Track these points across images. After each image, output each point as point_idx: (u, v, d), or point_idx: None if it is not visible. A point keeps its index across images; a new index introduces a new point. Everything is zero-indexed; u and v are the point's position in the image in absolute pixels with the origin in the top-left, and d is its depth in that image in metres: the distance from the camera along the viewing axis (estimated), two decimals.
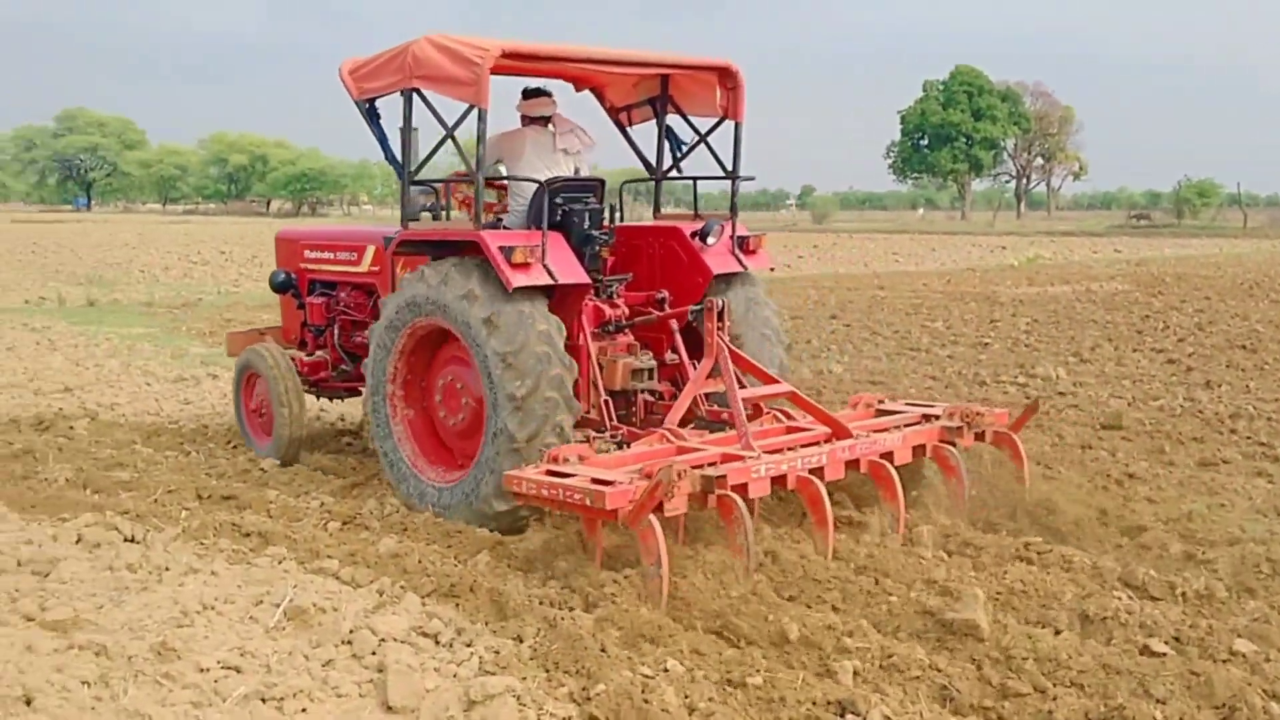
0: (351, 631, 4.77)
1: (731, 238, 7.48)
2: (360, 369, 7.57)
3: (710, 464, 5.60)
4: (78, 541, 5.95)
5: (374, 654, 4.62)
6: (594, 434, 6.73)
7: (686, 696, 4.25)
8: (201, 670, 4.37)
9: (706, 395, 6.95)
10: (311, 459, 8.05)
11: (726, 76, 7.41)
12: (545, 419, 6.24)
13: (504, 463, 6.12)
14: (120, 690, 4.17)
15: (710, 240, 7.37)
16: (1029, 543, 5.97)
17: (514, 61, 6.84)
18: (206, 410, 9.55)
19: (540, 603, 5.11)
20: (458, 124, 6.72)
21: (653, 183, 8.15)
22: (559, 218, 6.99)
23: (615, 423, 6.89)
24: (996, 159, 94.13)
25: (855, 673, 4.44)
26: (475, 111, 6.45)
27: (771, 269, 8.18)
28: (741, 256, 7.53)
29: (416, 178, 7.12)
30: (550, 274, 6.49)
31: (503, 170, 7.45)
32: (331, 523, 6.47)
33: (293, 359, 8.20)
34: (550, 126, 7.52)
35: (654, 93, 7.84)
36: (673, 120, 7.87)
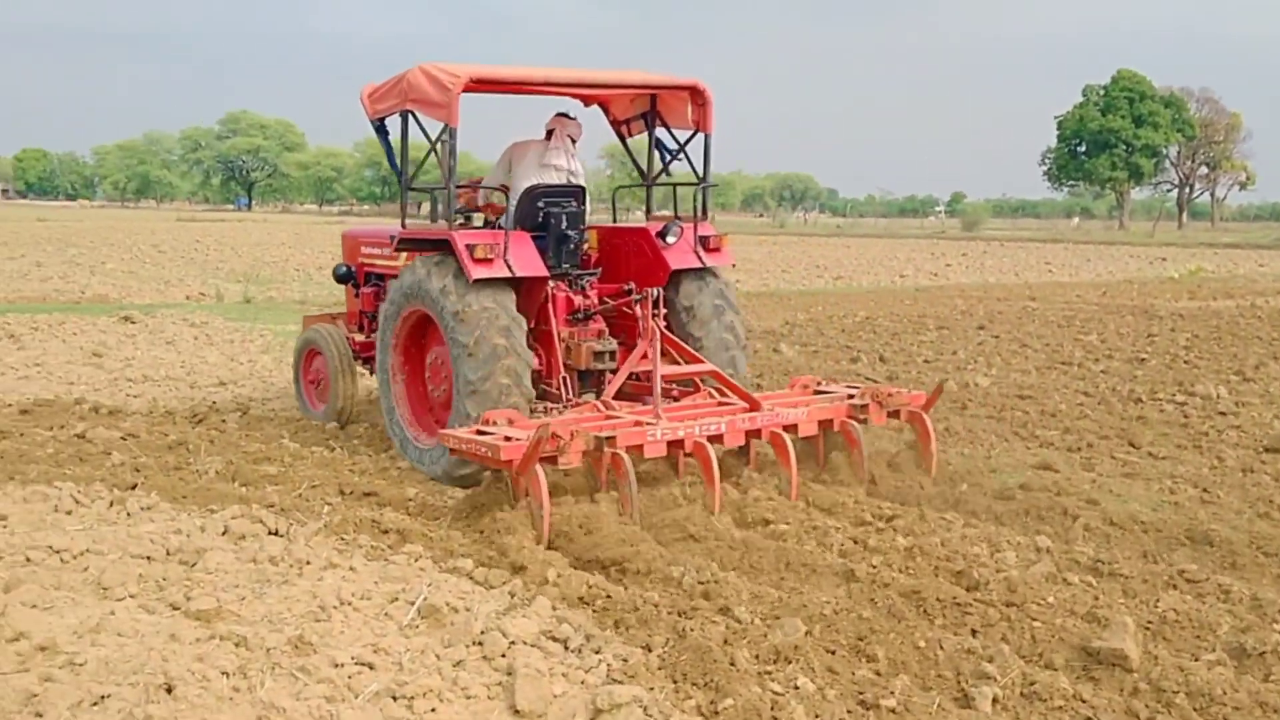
0: (483, 633, 4.78)
1: (695, 237, 8.30)
2: None
3: (611, 429, 6.55)
4: (224, 533, 6.11)
5: (504, 656, 4.62)
6: (549, 405, 7.68)
7: (817, 716, 4.14)
8: (336, 665, 4.43)
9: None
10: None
11: (696, 94, 8.33)
12: (498, 403, 7.16)
13: (466, 411, 7.23)
14: (258, 682, 4.25)
15: (670, 239, 8.27)
16: (1183, 570, 5.69)
17: (483, 85, 8.02)
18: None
19: (669, 611, 5.05)
20: (439, 138, 7.70)
21: (648, 186, 9.11)
22: (539, 220, 8.17)
23: (573, 396, 7.86)
24: (1158, 167, 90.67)
25: (994, 700, 4.27)
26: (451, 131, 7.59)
27: (733, 264, 8.93)
28: (703, 254, 8.34)
29: (414, 184, 8.34)
30: (510, 268, 7.48)
31: (511, 178, 8.52)
32: (467, 523, 6.50)
33: (348, 339, 9.32)
34: (551, 140, 8.54)
35: (646, 109, 8.75)
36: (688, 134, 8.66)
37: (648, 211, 9.14)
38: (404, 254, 8.50)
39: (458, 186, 8.00)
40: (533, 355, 7.67)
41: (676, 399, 7.80)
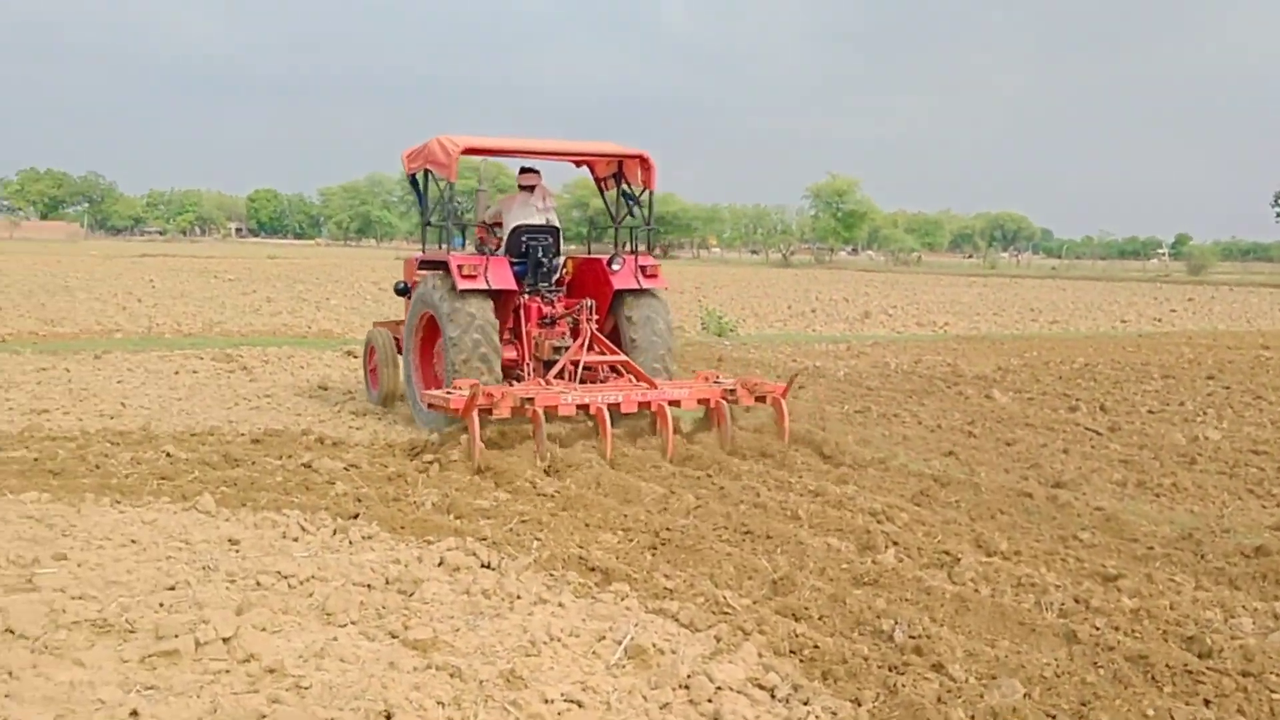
0: (689, 676, 4.77)
1: (636, 267, 10.96)
2: None
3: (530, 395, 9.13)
4: (440, 564, 6.29)
5: (710, 701, 4.59)
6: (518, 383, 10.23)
7: None
8: (546, 701, 4.49)
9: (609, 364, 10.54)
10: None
11: (644, 162, 11.17)
12: (472, 368, 9.92)
13: (423, 413, 10.42)
14: (471, 713, 4.35)
15: (615, 267, 10.97)
16: None
17: (478, 151, 11.29)
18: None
19: (880, 665, 4.93)
20: (449, 188, 10.77)
21: (615, 228, 11.84)
22: (523, 250, 11.02)
23: (536, 377, 10.36)
24: None
25: None
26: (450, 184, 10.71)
27: (665, 287, 11.46)
28: (641, 279, 10.97)
29: (431, 221, 11.30)
30: (488, 282, 10.24)
31: (503, 219, 11.35)
32: (674, 566, 6.51)
33: (395, 338, 11.90)
34: (533, 193, 11.44)
35: (616, 170, 11.56)
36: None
37: (615, 245, 11.67)
38: (423, 271, 11.03)
39: (474, 226, 11.43)
40: (501, 347, 10.42)
41: (604, 381, 10.36)
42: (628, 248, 11.43)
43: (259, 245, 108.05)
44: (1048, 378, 15.62)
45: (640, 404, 9.71)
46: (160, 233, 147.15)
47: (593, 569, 6.30)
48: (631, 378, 10.26)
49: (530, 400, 9.04)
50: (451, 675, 4.69)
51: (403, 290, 12.21)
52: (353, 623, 5.40)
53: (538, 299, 10.96)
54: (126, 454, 8.88)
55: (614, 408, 9.47)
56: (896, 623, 5.38)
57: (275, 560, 6.22)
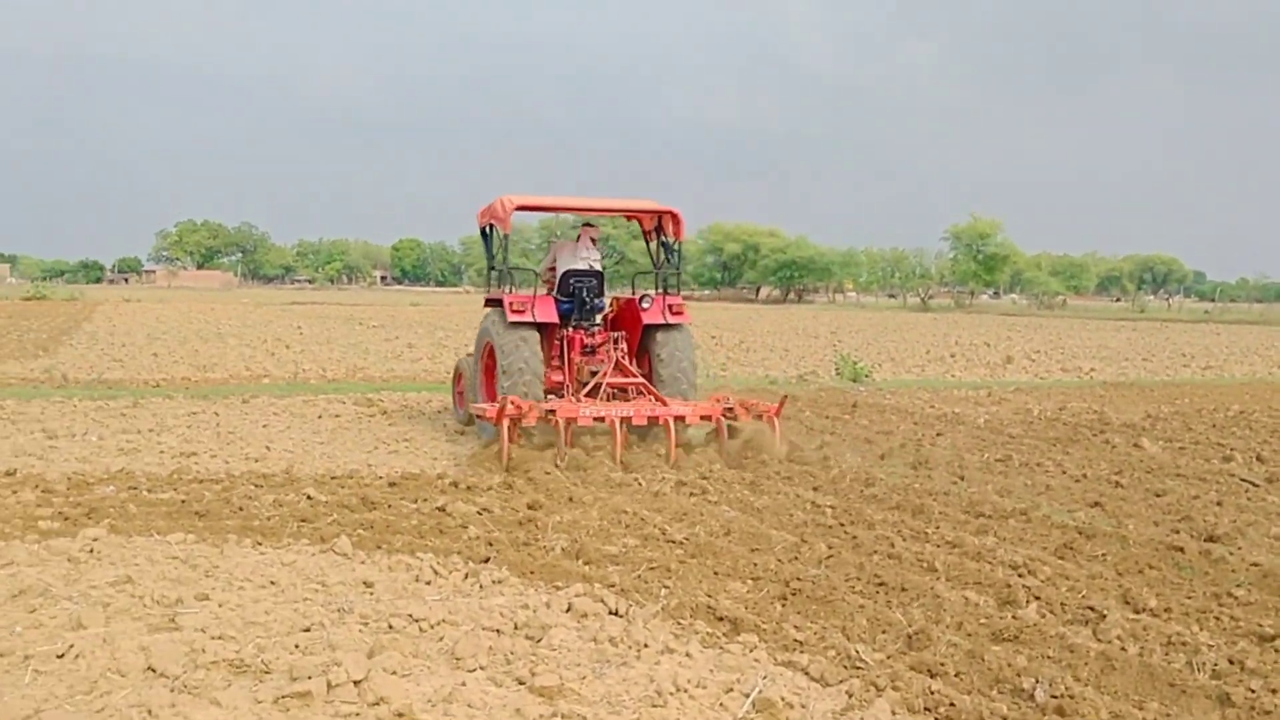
0: None
1: (665, 305, 12.79)
2: None
3: (553, 408, 11.00)
4: (568, 610, 6.28)
5: None
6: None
7: None
8: None
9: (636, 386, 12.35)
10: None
11: (674, 217, 13.21)
12: (518, 390, 11.72)
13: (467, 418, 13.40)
14: None
15: (645, 305, 12.82)
16: None
17: (530, 208, 13.22)
18: (667, 490, 9.85)
19: None
20: (505, 239, 13.12)
21: (655, 272, 13.51)
22: (570, 291, 13.00)
23: (575, 395, 12.24)
24: None
25: None
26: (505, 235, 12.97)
27: (690, 321, 13.13)
28: (669, 315, 12.80)
29: (494, 266, 13.71)
30: (534, 316, 12.30)
31: (555, 265, 13.36)
32: (804, 618, 6.37)
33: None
34: (580, 241, 13.51)
35: (655, 224, 13.47)
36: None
37: (657, 287, 13.31)
38: (486, 309, 13.36)
39: (535, 271, 13.47)
40: (548, 371, 12.58)
41: (632, 400, 12.00)
42: (660, 289, 13.29)
43: (402, 293, 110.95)
44: (1200, 426, 14.98)
45: (650, 418, 11.41)
46: (309, 281, 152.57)
47: (721, 618, 6.21)
48: (651, 398, 11.99)
49: (552, 412, 10.89)
50: None
51: None
52: (481, 668, 5.40)
53: (580, 331, 12.98)
54: (269, 496, 9.12)
55: (626, 420, 11.21)
56: (1038, 681, 5.16)
57: (408, 603, 6.29)
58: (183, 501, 8.86)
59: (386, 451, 11.92)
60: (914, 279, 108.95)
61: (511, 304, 12.22)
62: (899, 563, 7.36)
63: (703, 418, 11.65)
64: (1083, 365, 26.98)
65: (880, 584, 6.86)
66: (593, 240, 13.56)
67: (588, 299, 13.07)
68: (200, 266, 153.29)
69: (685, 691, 5.09)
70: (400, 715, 4.70)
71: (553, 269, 13.38)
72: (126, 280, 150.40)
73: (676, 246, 13.30)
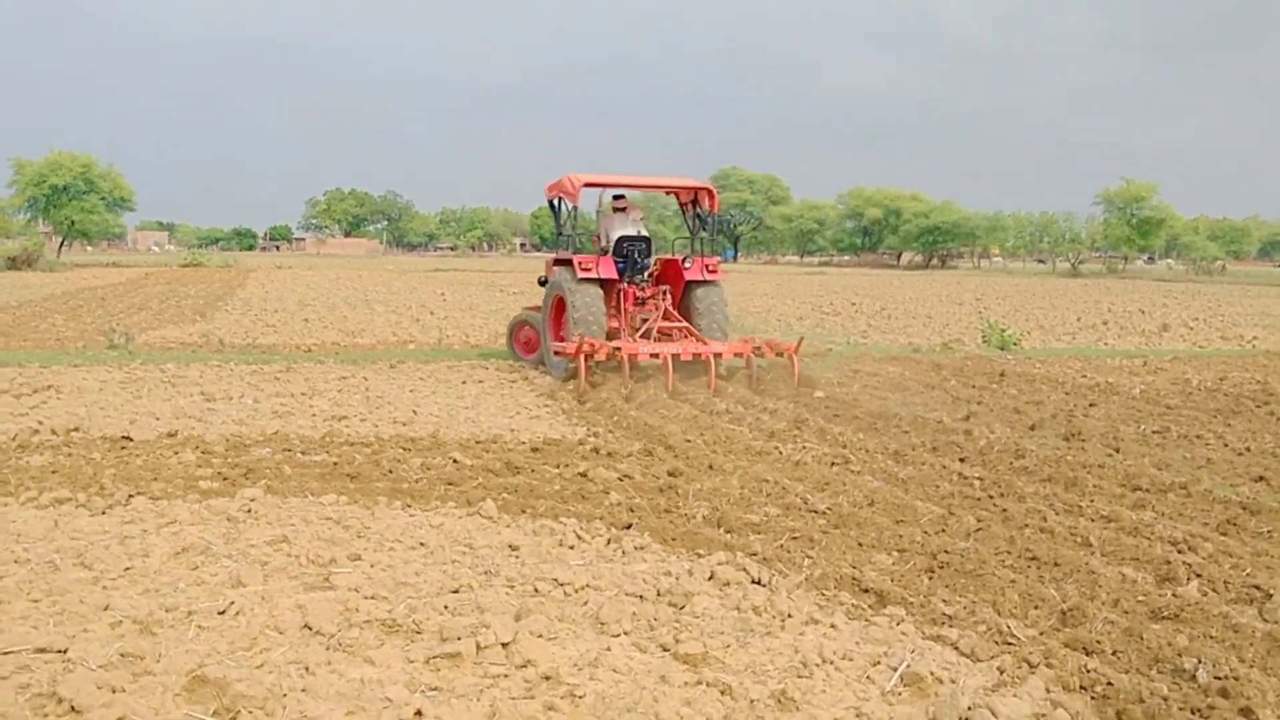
0: (970, 709, 4.52)
1: (703, 265, 15.38)
2: None
3: (618, 346, 13.59)
4: (710, 578, 6.26)
5: None
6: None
7: None
8: None
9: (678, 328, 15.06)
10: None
11: (709, 192, 15.77)
12: (589, 333, 14.07)
13: (551, 357, 15.14)
14: None
15: (687, 265, 15.46)
16: None
17: (596, 184, 15.60)
18: (808, 459, 9.73)
19: (1180, 707, 4.55)
20: (573, 210, 15.81)
21: (691, 238, 16.19)
22: (624, 253, 15.47)
23: (631, 338, 14.72)
24: None
25: None
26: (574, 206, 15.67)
27: (724, 278, 15.72)
28: (706, 274, 15.38)
29: (563, 232, 16.09)
30: (598, 273, 14.85)
31: (609, 232, 15.86)
32: (953, 592, 6.23)
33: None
34: (626, 212, 16.16)
35: (692, 197, 16.01)
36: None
37: (693, 250, 15.86)
38: (556, 267, 15.89)
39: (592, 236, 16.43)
40: (607, 318, 14.94)
41: (671, 339, 14.72)
42: (699, 251, 15.80)
43: (541, 259, 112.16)
44: None
45: (694, 354, 13.98)
46: (451, 248, 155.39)
47: (866, 590, 6.11)
48: (693, 339, 14.64)
49: (618, 349, 13.53)
50: (722, 693, 4.64)
51: (543, 282, 16.91)
52: (625, 633, 5.43)
53: (633, 287, 15.53)
54: (417, 460, 9.31)
55: (675, 356, 13.79)
56: (1200, 661, 4.95)
57: (552, 568, 6.35)
58: (334, 464, 9.11)
59: (528, 417, 12.05)
60: (1063, 244, 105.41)
61: (580, 263, 14.77)
62: (1051, 537, 7.14)
63: (736, 354, 14.20)
64: (1244, 333, 25.79)
65: (1032, 558, 6.67)
66: (635, 211, 16.37)
67: (638, 259, 15.62)
68: (347, 234, 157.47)
69: (831, 663, 5.03)
70: (548, 678, 4.75)
71: (605, 235, 15.99)
72: (278, 247, 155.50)
73: (710, 218, 15.84)
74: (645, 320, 15.07)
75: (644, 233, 15.97)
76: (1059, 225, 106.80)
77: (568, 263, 15.21)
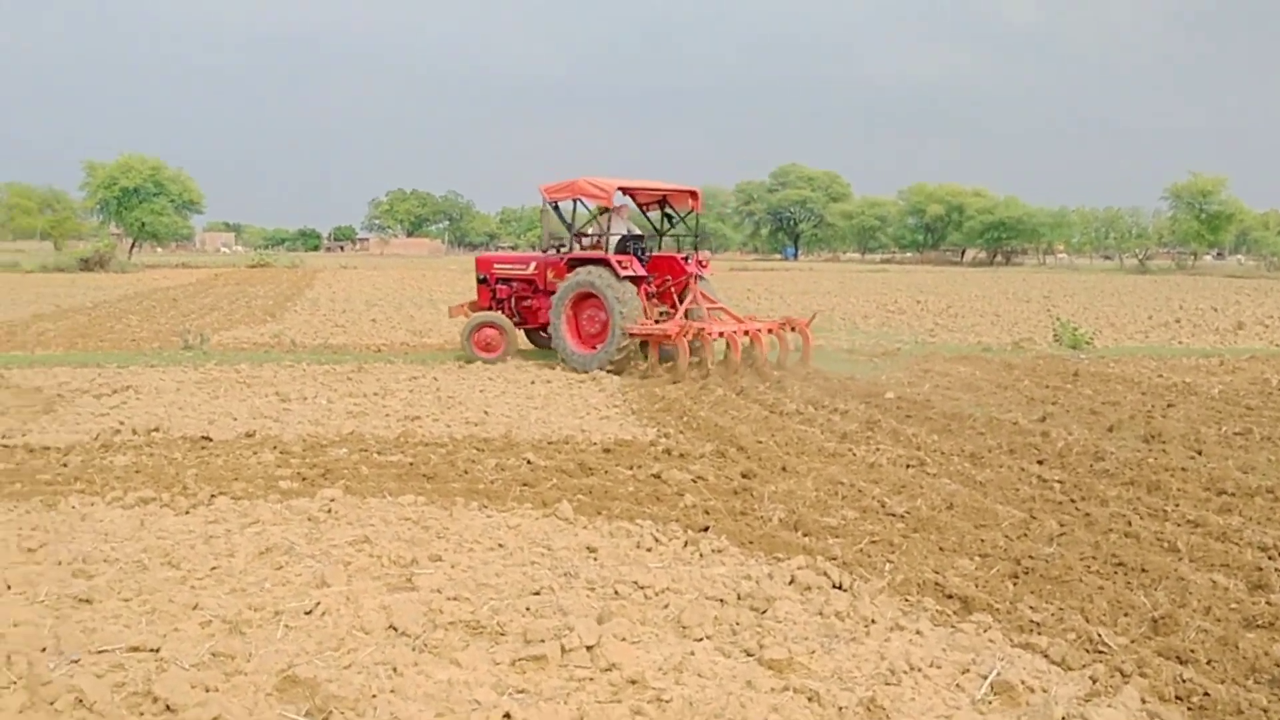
0: (1063, 719, 4.46)
1: (698, 261, 16.99)
2: (525, 317, 18.19)
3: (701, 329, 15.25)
4: (790, 582, 6.21)
5: None
6: None
7: None
8: None
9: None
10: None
11: (695, 194, 17.46)
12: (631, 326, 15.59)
13: (617, 345, 15.64)
14: None
15: (687, 261, 16.92)
16: None
17: (624, 190, 16.69)
18: (883, 461, 9.63)
19: None
20: (604, 209, 17.06)
21: (695, 237, 18.45)
22: (627, 251, 16.89)
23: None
24: None
25: None
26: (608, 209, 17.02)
27: (713, 273, 17.66)
28: (699, 269, 16.94)
29: (576, 233, 17.41)
30: (634, 271, 16.06)
31: (606, 232, 17.09)
32: (1039, 598, 6.14)
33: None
34: (619, 212, 17.11)
35: (687, 200, 17.63)
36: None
37: (694, 248, 17.96)
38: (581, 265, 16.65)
39: (580, 234, 17.53)
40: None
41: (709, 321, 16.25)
42: (695, 249, 17.88)
43: None
44: None
45: (745, 333, 15.85)
46: (512, 248, 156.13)
47: (950, 596, 6.04)
48: (724, 316, 16.68)
49: (703, 330, 15.13)
50: (809, 699, 4.60)
51: (482, 280, 18.45)
52: (708, 637, 5.41)
53: (644, 283, 16.66)
54: (491, 460, 9.36)
55: (756, 334, 15.88)
56: None
57: (631, 570, 6.34)
58: (410, 464, 9.18)
59: (598, 417, 12.07)
60: (1130, 239, 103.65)
61: (620, 262, 16.04)
62: (1137, 542, 7.01)
63: (769, 330, 16.27)
64: None
65: (1118, 564, 6.56)
66: (620, 211, 17.42)
67: (641, 258, 17.00)
68: (410, 234, 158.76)
69: (919, 670, 4.97)
70: (633, 682, 4.74)
71: (600, 235, 17.33)
72: (342, 248, 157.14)
73: (697, 218, 17.90)
74: (663, 312, 16.70)
75: (636, 231, 17.65)
76: (1125, 221, 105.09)
77: (600, 262, 16.23)
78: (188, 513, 7.59)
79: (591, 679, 4.81)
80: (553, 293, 17.31)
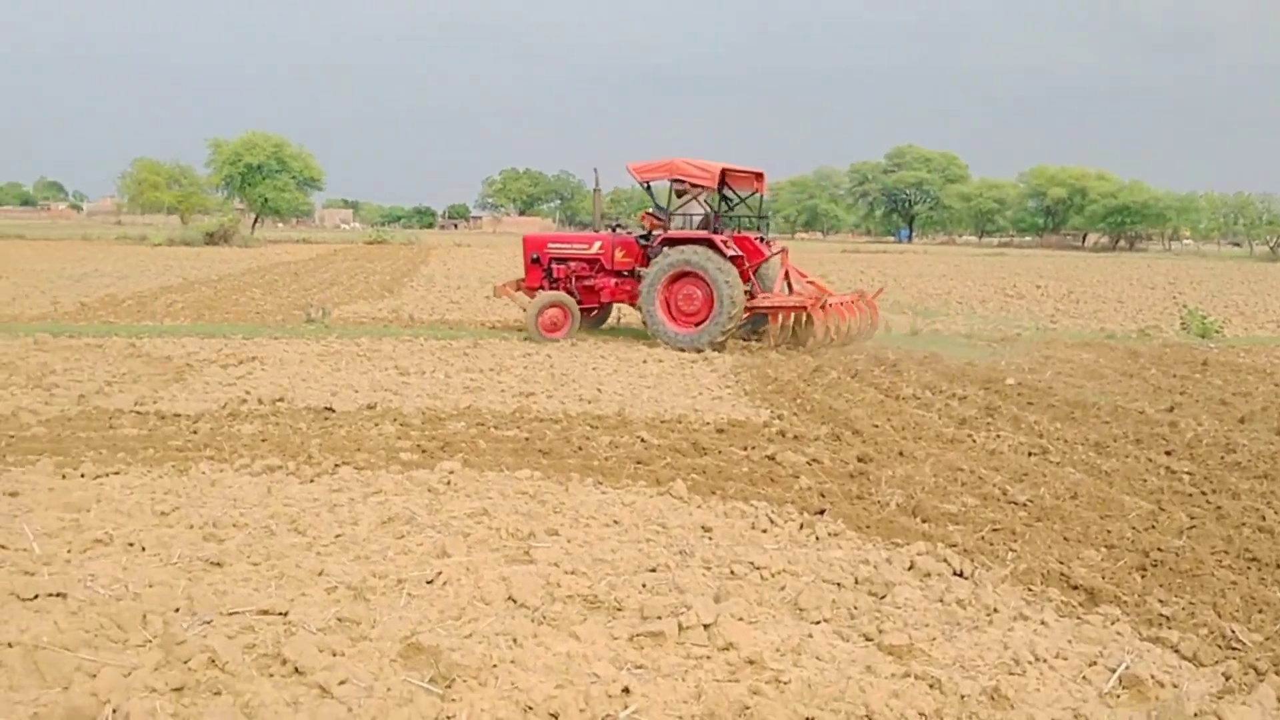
0: (1196, 715, 4.33)
1: (763, 243, 17.58)
2: (583, 296, 17.97)
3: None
4: (910, 568, 6.14)
5: None
6: None
7: None
8: None
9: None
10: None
11: (759, 175, 17.79)
12: (739, 304, 16.02)
13: (725, 322, 16.05)
14: None
15: (760, 241, 17.59)
16: None
17: (731, 170, 16.97)
18: (1004, 448, 9.42)
19: None
20: (701, 189, 17.37)
21: (763, 218, 18.75)
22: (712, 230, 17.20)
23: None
24: None
25: None
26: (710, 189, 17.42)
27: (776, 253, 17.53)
28: (768, 248, 17.51)
29: (675, 213, 17.73)
30: (734, 249, 16.61)
31: (687, 213, 17.91)
32: (1169, 591, 5.96)
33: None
34: (700, 196, 17.75)
35: (754, 182, 18.09)
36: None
37: (760, 229, 18.24)
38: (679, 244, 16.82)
39: (656, 216, 17.90)
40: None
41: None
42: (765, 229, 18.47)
43: None
44: None
45: (845, 305, 16.76)
46: (622, 226, 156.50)
47: (1076, 587, 5.90)
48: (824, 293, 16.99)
49: (823, 306, 16.06)
50: (931, 686, 4.53)
51: (535, 260, 18.18)
52: (825, 620, 5.37)
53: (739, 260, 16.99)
54: (605, 437, 9.41)
55: (838, 306, 16.60)
56: None
57: (747, 550, 6.32)
58: (526, 439, 9.27)
59: (710, 398, 12.04)
60: (1261, 226, 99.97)
61: (725, 242, 16.43)
62: (1272, 537, 6.76)
63: (852, 303, 17.02)
64: None
65: (1252, 559, 6.33)
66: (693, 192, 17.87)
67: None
68: (522, 213, 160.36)
69: (1044, 661, 4.87)
70: (751, 662, 4.73)
71: (685, 215, 17.77)
72: (455, 226, 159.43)
73: (761, 199, 18.43)
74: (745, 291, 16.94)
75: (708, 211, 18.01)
76: (1256, 207, 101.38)
77: (703, 242, 16.48)
78: (312, 481, 7.77)
79: (709, 657, 4.81)
80: (620, 272, 17.69)
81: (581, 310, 17.93)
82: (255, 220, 72.60)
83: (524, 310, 17.66)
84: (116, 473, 7.90)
